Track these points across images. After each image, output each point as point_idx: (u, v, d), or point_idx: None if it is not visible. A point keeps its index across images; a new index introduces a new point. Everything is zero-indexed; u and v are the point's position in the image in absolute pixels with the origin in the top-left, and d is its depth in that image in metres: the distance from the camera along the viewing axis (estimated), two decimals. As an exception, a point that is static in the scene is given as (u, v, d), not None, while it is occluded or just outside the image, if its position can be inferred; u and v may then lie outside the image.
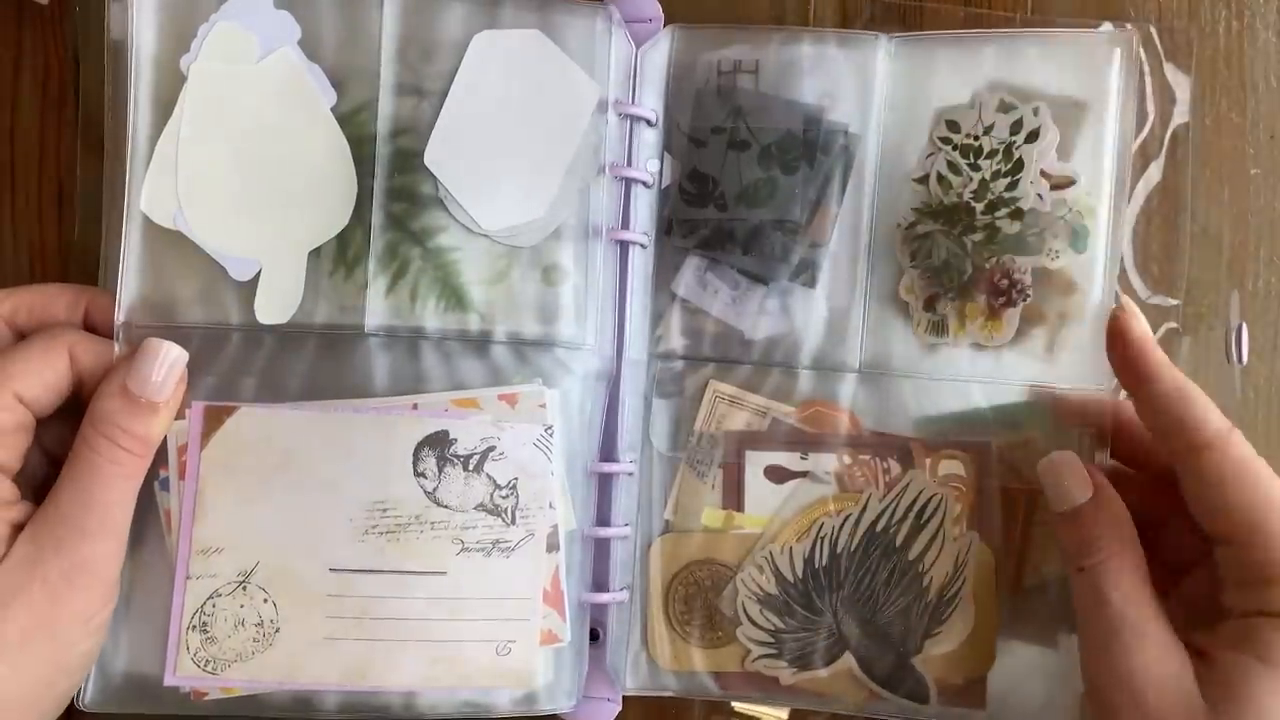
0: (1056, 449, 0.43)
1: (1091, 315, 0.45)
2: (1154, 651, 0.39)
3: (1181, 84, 0.47)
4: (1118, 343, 0.42)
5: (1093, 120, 0.45)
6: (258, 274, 0.43)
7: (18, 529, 0.38)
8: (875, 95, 0.46)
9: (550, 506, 0.44)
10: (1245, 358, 0.48)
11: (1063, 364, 0.45)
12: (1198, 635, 0.40)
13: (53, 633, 0.38)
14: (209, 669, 0.42)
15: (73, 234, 0.45)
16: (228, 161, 0.43)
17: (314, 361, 0.43)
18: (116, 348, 0.42)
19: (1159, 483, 0.42)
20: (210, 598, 0.42)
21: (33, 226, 0.48)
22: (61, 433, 0.41)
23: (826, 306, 0.47)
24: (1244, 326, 0.48)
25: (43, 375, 0.40)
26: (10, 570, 0.38)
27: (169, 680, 0.42)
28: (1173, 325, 0.46)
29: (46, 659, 0.38)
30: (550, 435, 0.44)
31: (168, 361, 0.41)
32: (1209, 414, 0.40)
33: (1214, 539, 0.40)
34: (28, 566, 0.38)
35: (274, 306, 0.43)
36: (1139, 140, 0.47)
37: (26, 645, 0.37)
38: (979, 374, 0.46)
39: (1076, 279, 0.45)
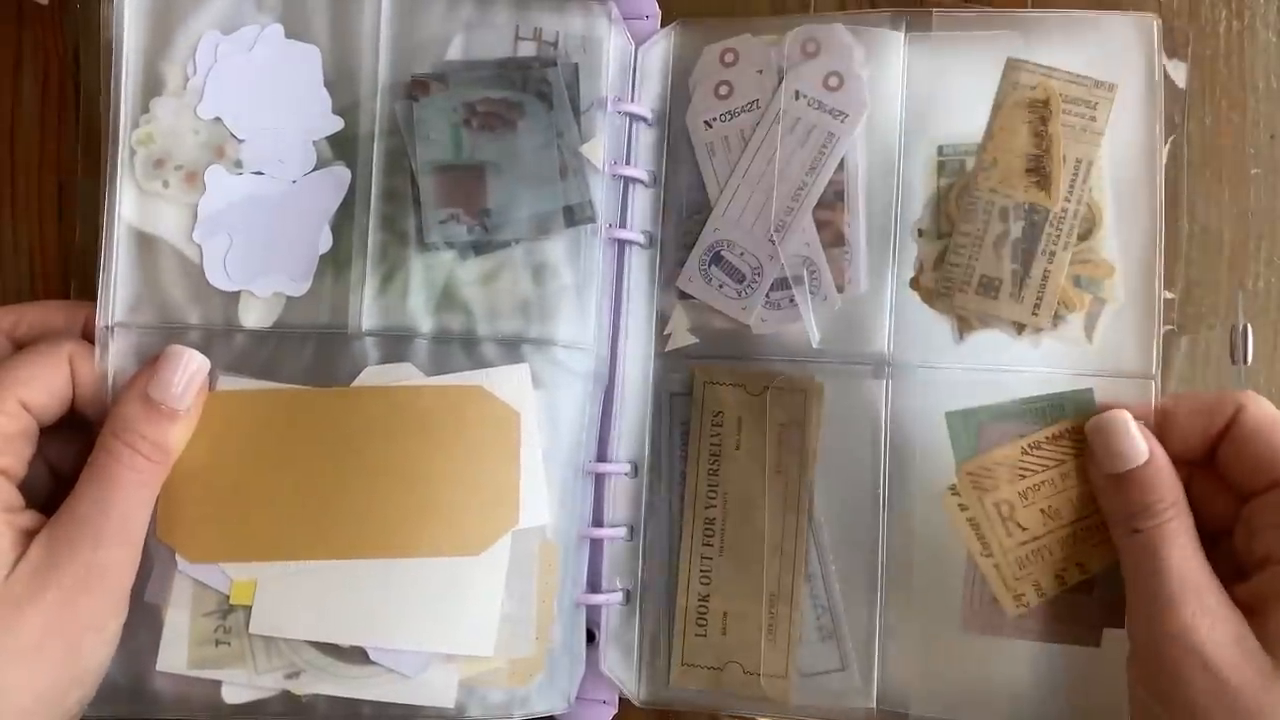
0: None
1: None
2: (1221, 612, 0.37)
3: (1181, 80, 0.46)
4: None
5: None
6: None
7: (28, 535, 0.37)
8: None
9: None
10: (1250, 358, 0.47)
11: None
12: (1235, 591, 0.38)
13: (67, 639, 0.37)
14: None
15: (73, 234, 0.44)
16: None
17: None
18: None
19: (1180, 461, 0.41)
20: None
21: (33, 226, 0.47)
22: (64, 447, 0.40)
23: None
24: (1249, 327, 0.47)
25: (47, 382, 0.39)
26: (24, 575, 0.36)
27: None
28: (1169, 327, 0.45)
29: (61, 666, 0.37)
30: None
31: (190, 369, 0.39)
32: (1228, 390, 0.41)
33: (1253, 491, 0.39)
34: (42, 571, 0.36)
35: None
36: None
37: (42, 651, 0.36)
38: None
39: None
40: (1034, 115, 0.43)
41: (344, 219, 0.42)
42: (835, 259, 0.44)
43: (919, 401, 0.43)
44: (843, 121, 0.44)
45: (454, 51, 0.43)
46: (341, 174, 0.42)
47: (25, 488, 0.39)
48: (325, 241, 0.42)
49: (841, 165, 0.44)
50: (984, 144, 0.44)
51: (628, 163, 0.45)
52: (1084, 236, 0.43)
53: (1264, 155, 0.48)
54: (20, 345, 0.41)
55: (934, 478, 0.43)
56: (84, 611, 0.37)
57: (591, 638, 0.45)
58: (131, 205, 0.41)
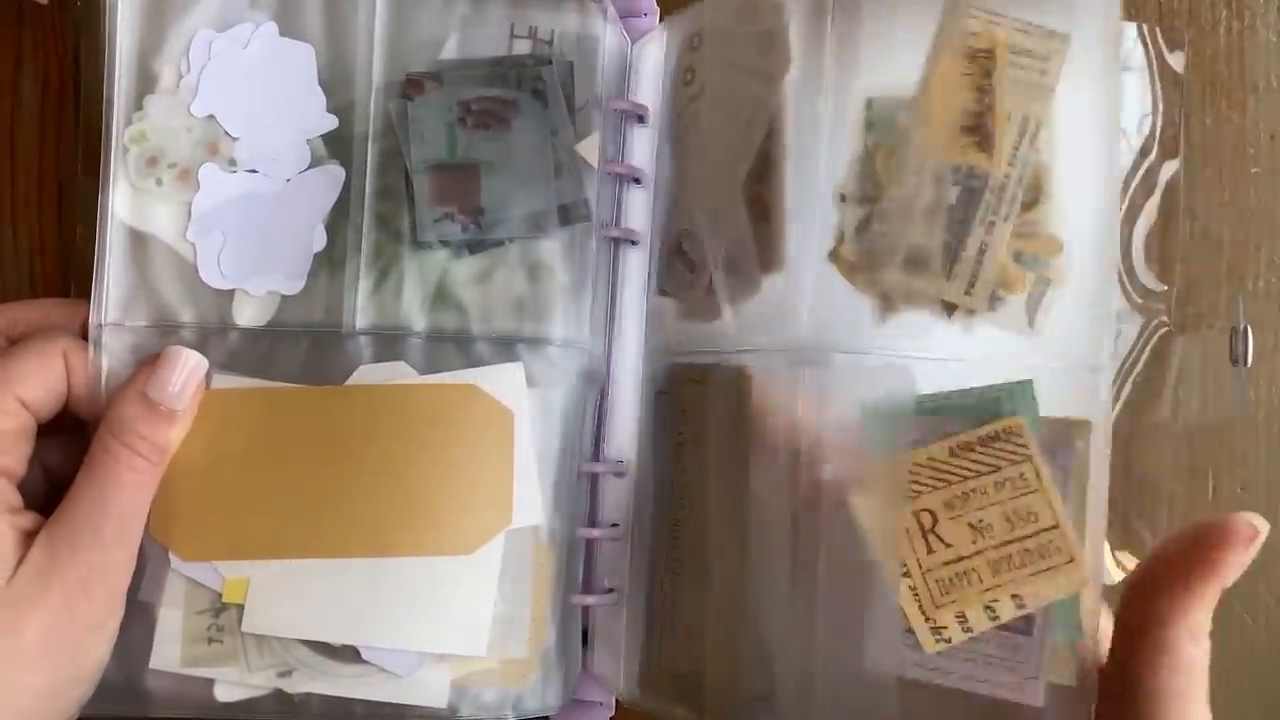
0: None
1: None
2: None
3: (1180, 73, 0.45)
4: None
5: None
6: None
7: (29, 536, 0.37)
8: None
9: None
10: (1250, 359, 0.46)
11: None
12: None
13: (69, 640, 0.36)
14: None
15: (73, 234, 0.43)
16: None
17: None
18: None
19: None
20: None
21: (33, 226, 0.47)
22: (58, 448, 0.40)
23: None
24: (1249, 328, 0.46)
25: (43, 378, 0.38)
26: (27, 577, 0.36)
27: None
28: (1162, 319, 0.44)
29: (64, 666, 0.37)
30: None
31: (187, 368, 0.39)
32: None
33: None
34: (44, 573, 0.36)
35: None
36: (1153, 155, 0.45)
37: (45, 652, 0.36)
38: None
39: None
40: (975, 66, 0.37)
41: (338, 217, 0.42)
42: (762, 235, 0.39)
43: (833, 391, 0.37)
44: (768, 83, 0.39)
45: (448, 50, 0.42)
46: (336, 172, 0.42)
47: (21, 489, 0.38)
48: (319, 240, 0.42)
49: (772, 133, 0.39)
50: (918, 97, 0.37)
51: (623, 160, 0.44)
52: (1028, 206, 0.37)
53: (1264, 155, 0.48)
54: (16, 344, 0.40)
55: (846, 480, 0.36)
56: (85, 612, 0.37)
57: (587, 638, 0.45)
58: (125, 203, 0.41)
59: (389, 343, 0.41)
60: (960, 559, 0.35)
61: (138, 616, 0.40)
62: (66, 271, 0.46)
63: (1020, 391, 0.36)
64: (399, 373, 0.41)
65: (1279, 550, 0.48)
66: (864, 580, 0.36)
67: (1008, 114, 0.37)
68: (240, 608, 0.40)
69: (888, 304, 0.37)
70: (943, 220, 0.37)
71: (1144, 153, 0.45)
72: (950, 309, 0.37)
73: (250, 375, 0.41)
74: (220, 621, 0.40)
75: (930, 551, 0.36)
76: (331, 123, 0.42)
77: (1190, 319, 0.47)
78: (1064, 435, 0.36)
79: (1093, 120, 0.37)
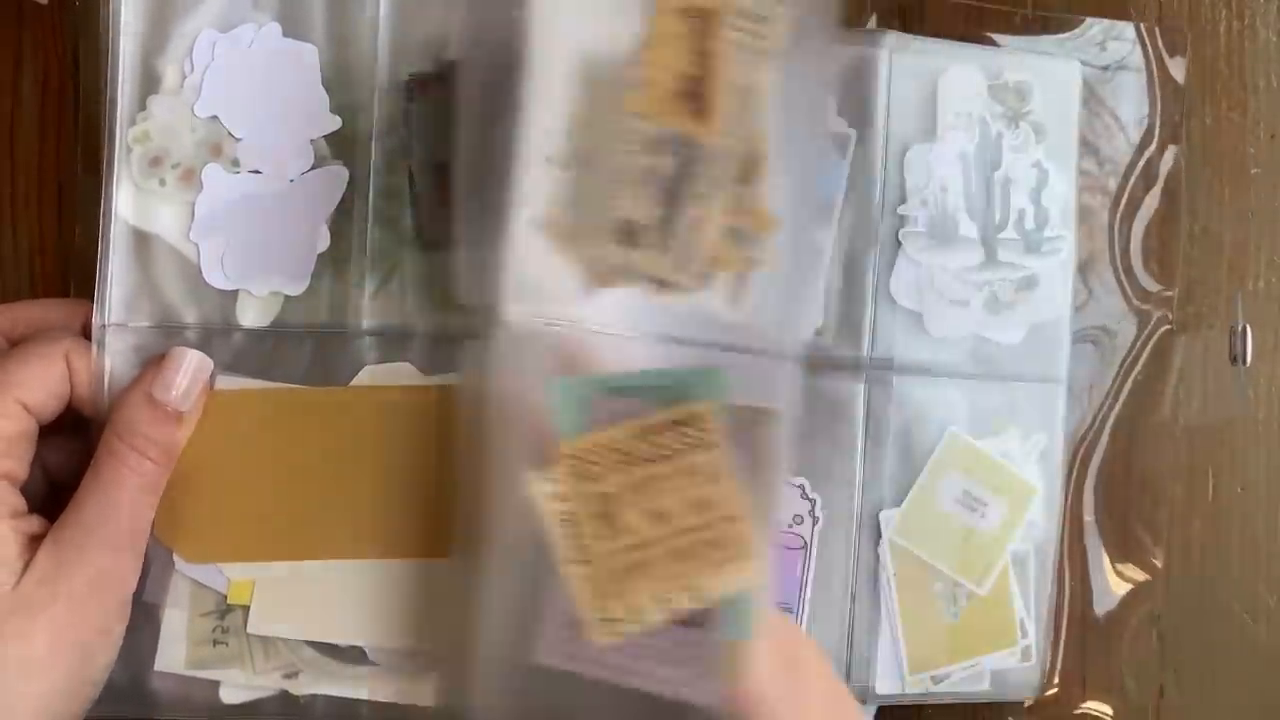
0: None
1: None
2: None
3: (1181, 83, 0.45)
4: None
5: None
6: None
7: (34, 540, 0.37)
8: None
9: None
10: (1249, 358, 0.46)
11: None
12: None
13: (77, 644, 0.36)
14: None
15: (73, 234, 0.43)
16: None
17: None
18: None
19: None
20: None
21: (33, 226, 0.46)
22: (59, 449, 0.40)
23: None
24: (1248, 327, 0.46)
25: (44, 381, 0.38)
26: (34, 582, 0.36)
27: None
28: (1164, 316, 0.44)
29: (72, 671, 0.36)
30: None
31: (192, 369, 0.39)
32: None
33: None
34: (51, 578, 0.36)
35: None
36: (1152, 147, 0.45)
37: (54, 657, 0.36)
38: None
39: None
40: (694, 28, 0.34)
41: (342, 218, 0.42)
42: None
43: (517, 364, 0.35)
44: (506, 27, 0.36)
45: (452, 50, 0.42)
46: (339, 172, 0.42)
47: (23, 491, 0.38)
48: (323, 240, 0.41)
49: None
50: (635, 58, 0.35)
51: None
52: (744, 179, 0.35)
53: (1264, 155, 0.48)
54: (17, 345, 0.40)
55: (524, 461, 0.34)
56: (93, 617, 0.37)
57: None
58: (128, 203, 0.41)
59: (393, 343, 0.41)
60: (639, 546, 0.33)
61: (142, 618, 0.39)
62: (66, 271, 0.45)
63: (711, 378, 0.34)
64: (403, 373, 0.41)
65: (1279, 551, 0.48)
66: (537, 566, 0.33)
67: (728, 79, 0.34)
68: (245, 609, 0.40)
69: (597, 277, 0.35)
70: (656, 192, 0.34)
71: (1143, 146, 0.45)
72: (660, 285, 0.35)
73: (254, 376, 0.41)
74: (225, 623, 0.40)
75: (608, 537, 0.33)
76: (335, 123, 0.42)
77: (1190, 319, 0.47)
78: (751, 424, 0.34)
79: (805, 88, 0.36)
